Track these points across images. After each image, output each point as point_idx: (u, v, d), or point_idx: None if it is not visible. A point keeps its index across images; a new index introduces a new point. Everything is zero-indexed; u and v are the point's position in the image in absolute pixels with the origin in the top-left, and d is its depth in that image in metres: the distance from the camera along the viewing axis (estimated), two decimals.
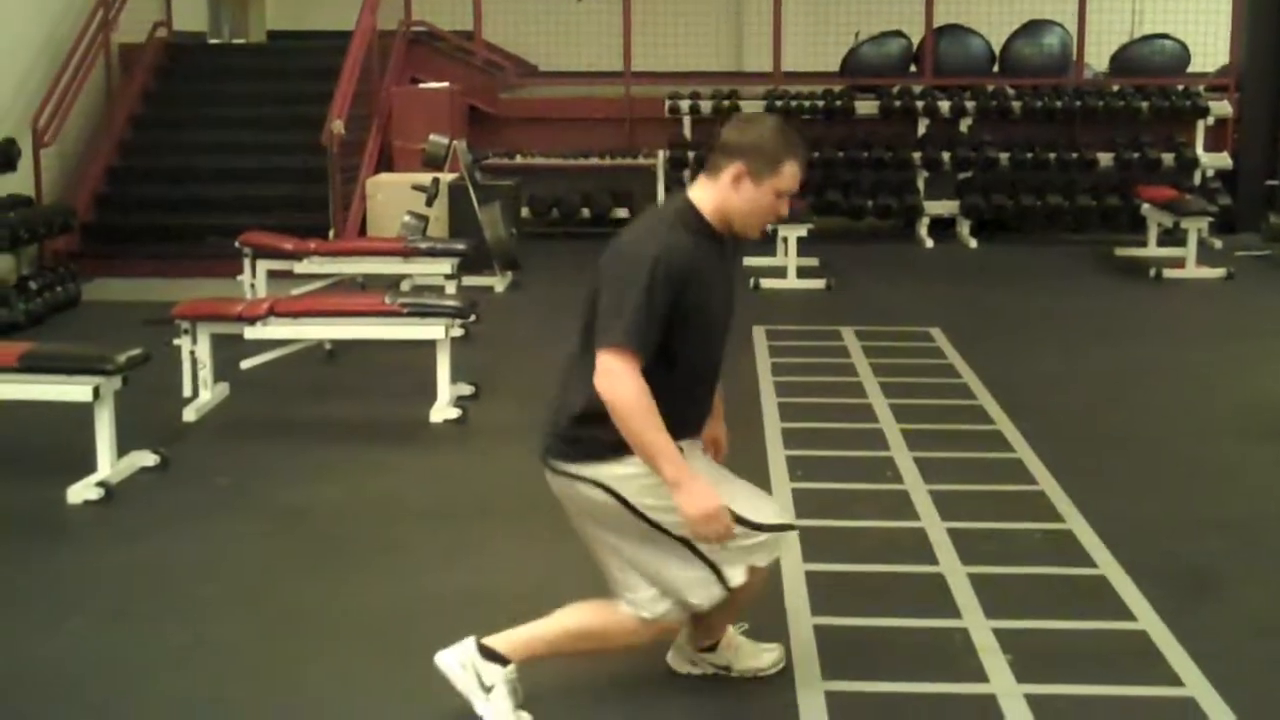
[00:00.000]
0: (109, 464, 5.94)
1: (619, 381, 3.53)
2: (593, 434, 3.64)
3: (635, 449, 3.58)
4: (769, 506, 3.94)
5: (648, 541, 3.73)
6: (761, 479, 5.73)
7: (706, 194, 3.75)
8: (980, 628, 4.43)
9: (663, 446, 3.55)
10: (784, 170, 3.70)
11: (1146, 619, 4.51)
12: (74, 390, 5.94)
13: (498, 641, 3.90)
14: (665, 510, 3.65)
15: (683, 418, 3.73)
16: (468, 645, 3.91)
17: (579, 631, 3.90)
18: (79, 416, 6.03)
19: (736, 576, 3.78)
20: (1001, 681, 4.07)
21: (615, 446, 3.62)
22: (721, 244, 3.79)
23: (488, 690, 3.85)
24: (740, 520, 3.70)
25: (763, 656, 4.16)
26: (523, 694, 3.89)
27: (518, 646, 3.90)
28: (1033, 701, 3.94)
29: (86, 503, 5.75)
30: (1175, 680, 4.10)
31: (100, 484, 5.81)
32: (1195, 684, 4.06)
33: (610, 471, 3.68)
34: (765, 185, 3.70)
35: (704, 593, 3.79)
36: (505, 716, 3.83)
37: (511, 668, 3.88)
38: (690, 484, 3.56)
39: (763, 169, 3.68)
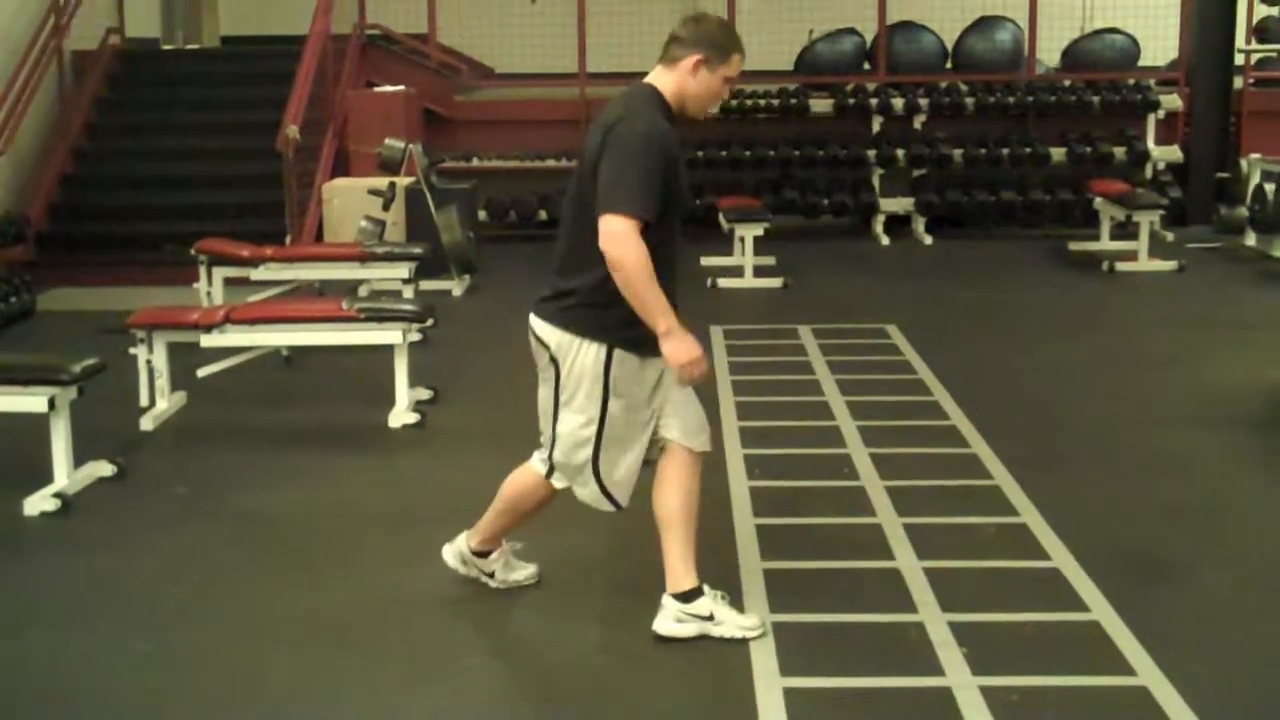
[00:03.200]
0: (66, 475, 5.92)
1: (624, 243, 4.05)
2: (570, 297, 4.25)
3: (634, 302, 4.10)
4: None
5: (574, 420, 4.34)
6: (719, 478, 5.77)
7: (666, 80, 4.32)
8: (936, 621, 4.48)
9: (660, 301, 4.11)
10: (732, 59, 4.33)
11: (1099, 609, 4.56)
12: (29, 401, 5.90)
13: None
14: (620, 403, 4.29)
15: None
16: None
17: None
18: (35, 427, 6.01)
19: (623, 498, 4.45)
20: (957, 675, 4.12)
21: (584, 323, 4.24)
22: (675, 127, 4.31)
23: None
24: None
25: (520, 571, 4.80)
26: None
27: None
28: (987, 693, 3.98)
29: (44, 514, 5.72)
30: (1128, 670, 4.15)
31: (57, 495, 5.79)
32: (1148, 673, 4.11)
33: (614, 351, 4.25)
34: (718, 72, 4.31)
35: (594, 499, 4.45)
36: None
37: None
38: (680, 335, 4.14)
39: (716, 58, 4.29)
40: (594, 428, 4.30)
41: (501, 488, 4.65)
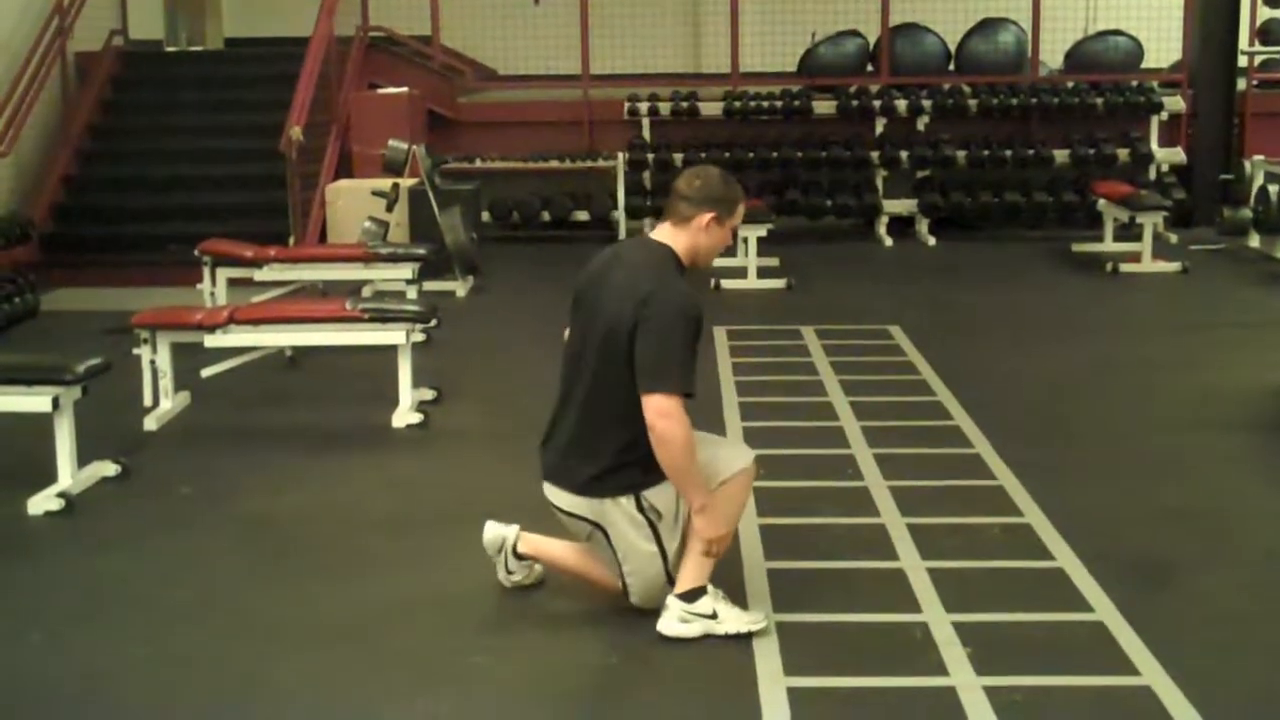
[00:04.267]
0: (69, 474, 5.92)
1: (677, 424, 4.18)
2: (628, 465, 4.32)
3: (676, 476, 4.26)
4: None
5: (645, 547, 4.42)
6: None
7: (680, 239, 4.43)
8: (940, 622, 4.47)
9: (700, 477, 4.27)
10: (738, 210, 4.49)
11: (1103, 610, 4.56)
12: (33, 401, 5.90)
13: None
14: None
15: None
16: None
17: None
18: (39, 427, 6.01)
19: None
20: (961, 674, 4.12)
21: (643, 478, 4.33)
22: None
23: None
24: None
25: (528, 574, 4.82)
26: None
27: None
28: (991, 693, 3.98)
29: (47, 514, 5.73)
30: (1132, 669, 4.15)
31: (61, 495, 5.79)
32: (1152, 673, 4.11)
33: (642, 495, 4.36)
34: (726, 225, 4.46)
35: (652, 591, 4.46)
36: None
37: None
38: (713, 511, 4.28)
39: (725, 212, 4.43)
40: (655, 549, 4.40)
41: (580, 559, 4.66)
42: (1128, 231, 11.80)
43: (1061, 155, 13.27)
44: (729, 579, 4.64)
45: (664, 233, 4.46)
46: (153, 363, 7.15)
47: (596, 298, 4.38)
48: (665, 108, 13.39)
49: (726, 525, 4.34)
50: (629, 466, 4.32)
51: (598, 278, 4.44)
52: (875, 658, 4.27)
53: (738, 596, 4.58)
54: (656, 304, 4.23)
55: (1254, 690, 4.10)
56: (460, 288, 10.64)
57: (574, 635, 4.51)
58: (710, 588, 4.40)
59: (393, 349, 7.07)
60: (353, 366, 7.87)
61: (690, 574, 4.38)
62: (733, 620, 4.36)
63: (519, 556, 4.74)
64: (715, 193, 4.41)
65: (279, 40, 14.18)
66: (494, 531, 4.78)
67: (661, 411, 4.17)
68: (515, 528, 4.76)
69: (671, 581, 4.40)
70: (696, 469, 4.25)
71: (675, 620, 4.36)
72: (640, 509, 4.36)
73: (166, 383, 7.12)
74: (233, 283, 9.40)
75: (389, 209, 10.73)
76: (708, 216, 4.39)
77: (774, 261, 10.97)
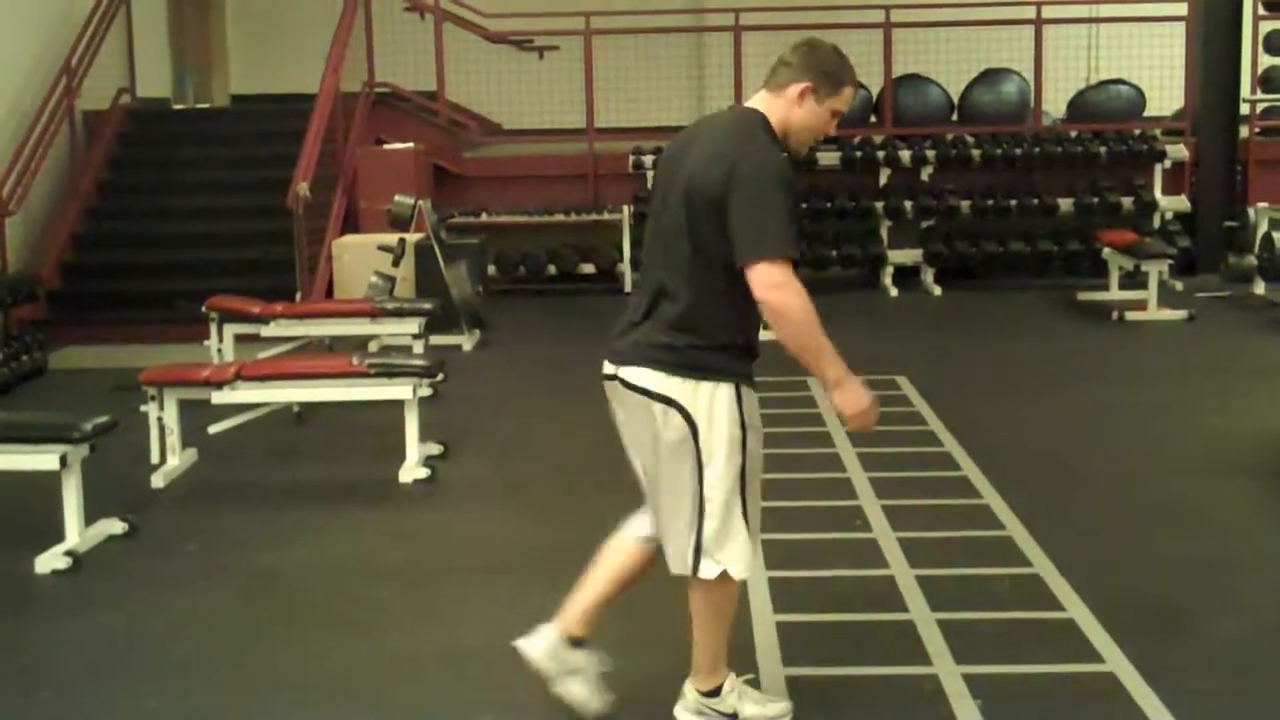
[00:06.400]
0: (77, 532, 5.92)
1: (790, 290, 3.73)
2: (691, 343, 3.81)
3: (801, 351, 3.80)
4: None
5: (732, 461, 3.87)
6: None
7: (772, 106, 3.94)
8: (950, 674, 4.45)
9: (829, 348, 3.81)
10: (844, 92, 3.95)
11: (1114, 660, 4.54)
12: (41, 459, 5.91)
13: (572, 625, 4.12)
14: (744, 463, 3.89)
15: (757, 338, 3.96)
16: (550, 634, 4.13)
17: (619, 578, 4.13)
18: (46, 485, 6.01)
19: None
20: None
21: (710, 366, 3.82)
22: None
23: (573, 673, 4.12)
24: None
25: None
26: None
27: (579, 613, 4.12)
28: None
29: (55, 572, 5.72)
30: None
31: (68, 553, 5.79)
32: None
33: (698, 398, 3.83)
34: (825, 104, 3.93)
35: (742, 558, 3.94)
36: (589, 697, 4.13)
37: (596, 656, 4.15)
38: (852, 383, 3.85)
39: (825, 88, 3.92)
40: (737, 471, 3.90)
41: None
42: (1133, 280, 11.80)
43: (1066, 204, 13.31)
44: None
45: (759, 99, 3.98)
46: (160, 420, 7.15)
47: (680, 166, 3.88)
48: None
49: (867, 401, 3.87)
50: (726, 350, 3.85)
51: (679, 152, 3.95)
52: (886, 711, 4.25)
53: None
54: (749, 165, 3.74)
55: None
56: (466, 341, 10.66)
57: None
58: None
59: (400, 404, 7.08)
60: (360, 422, 7.88)
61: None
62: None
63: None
64: (818, 63, 3.90)
65: (285, 97, 14.29)
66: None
67: (770, 283, 3.70)
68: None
69: (746, 520, 3.92)
70: (822, 338, 3.78)
71: (691, 712, 4.12)
72: (739, 401, 3.86)
73: (174, 439, 7.12)
74: (240, 339, 9.41)
75: (395, 264, 10.77)
76: (802, 86, 3.88)
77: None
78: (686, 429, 3.83)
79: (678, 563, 3.94)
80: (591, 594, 4.14)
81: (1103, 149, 13.47)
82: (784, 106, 3.92)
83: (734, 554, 3.90)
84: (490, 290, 12.06)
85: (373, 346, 9.56)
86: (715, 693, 4.10)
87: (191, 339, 9.79)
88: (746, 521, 3.93)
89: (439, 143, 13.72)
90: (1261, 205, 12.36)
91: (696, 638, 4.07)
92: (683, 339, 3.83)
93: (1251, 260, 12.10)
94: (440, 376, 7.45)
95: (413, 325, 9.13)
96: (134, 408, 7.35)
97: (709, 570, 3.89)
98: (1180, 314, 11.15)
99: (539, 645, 4.14)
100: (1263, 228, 12.03)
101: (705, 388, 3.83)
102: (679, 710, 4.17)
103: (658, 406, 3.85)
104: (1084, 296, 12.17)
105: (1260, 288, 12.03)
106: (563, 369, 9.45)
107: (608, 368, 3.99)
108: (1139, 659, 4.52)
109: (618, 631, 4.32)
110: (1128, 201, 13.25)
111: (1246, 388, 8.79)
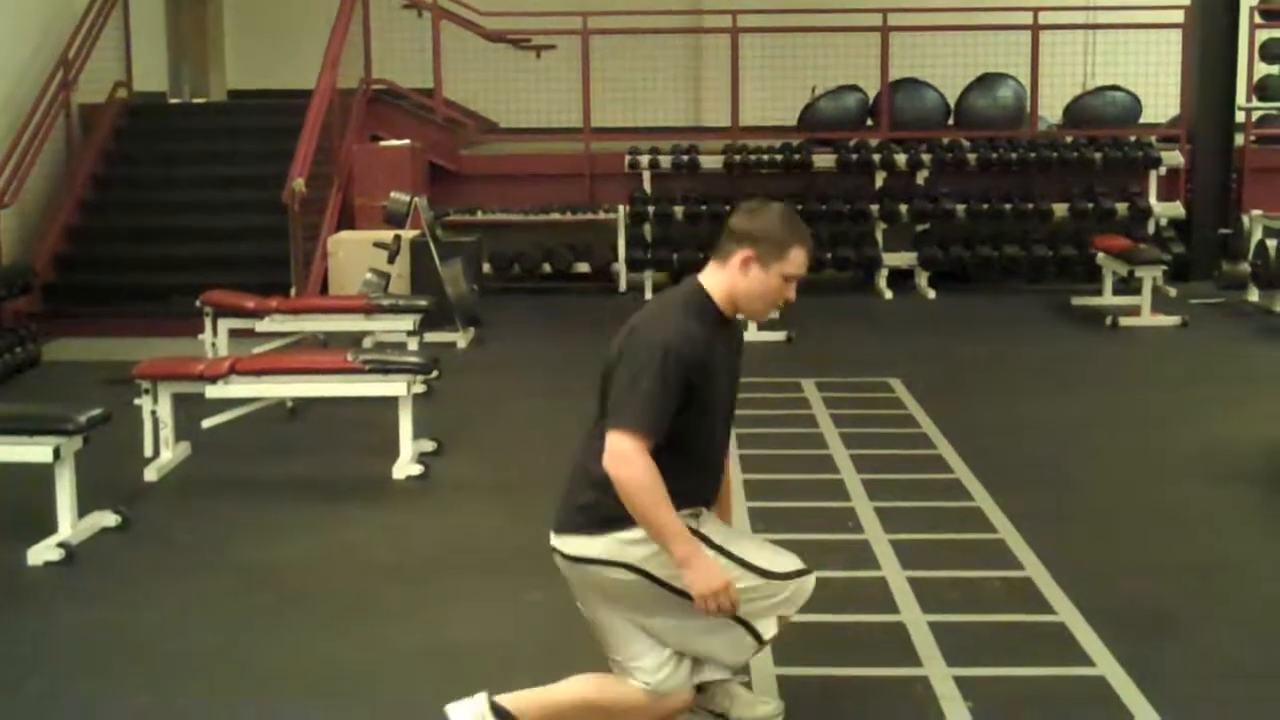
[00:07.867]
0: (70, 525, 5.92)
1: (628, 463, 3.60)
2: (607, 500, 3.68)
3: (643, 525, 3.64)
4: (786, 557, 3.99)
5: (671, 612, 3.77)
6: None
7: (716, 279, 3.86)
8: (942, 676, 4.46)
9: (672, 525, 3.62)
10: (790, 255, 3.84)
11: (1105, 664, 4.55)
12: (34, 451, 5.91)
13: (509, 700, 3.93)
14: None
15: (692, 496, 3.82)
16: (480, 701, 3.93)
17: (588, 703, 3.92)
18: (39, 477, 6.01)
19: (769, 629, 3.88)
20: None
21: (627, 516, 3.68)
22: (730, 328, 3.94)
23: None
24: (765, 573, 3.82)
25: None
26: None
27: (529, 709, 3.92)
28: None
29: (47, 564, 5.72)
30: None
31: (61, 545, 5.79)
32: None
33: (628, 548, 3.72)
34: (773, 270, 3.83)
35: (738, 651, 3.89)
36: None
37: None
38: (698, 562, 3.64)
39: (770, 254, 3.81)
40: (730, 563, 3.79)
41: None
42: (1127, 285, 11.83)
43: (1060, 209, 13.31)
44: None
45: (707, 270, 3.91)
46: (154, 413, 7.15)
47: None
48: (666, 161, 13.46)
49: (719, 581, 3.64)
50: (602, 505, 3.73)
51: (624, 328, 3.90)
52: (877, 712, 4.26)
53: None
54: (639, 335, 3.73)
55: None
56: (461, 339, 10.65)
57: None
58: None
59: (394, 400, 7.08)
60: (353, 418, 7.87)
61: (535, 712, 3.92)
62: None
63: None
64: (759, 229, 3.82)
65: (282, 93, 14.28)
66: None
67: (616, 453, 3.60)
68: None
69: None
70: (664, 513, 3.59)
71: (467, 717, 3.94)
72: (626, 564, 3.75)
73: (167, 433, 7.12)
74: (234, 334, 9.41)
75: (390, 260, 10.77)
76: (743, 254, 3.80)
77: (774, 314, 10.94)
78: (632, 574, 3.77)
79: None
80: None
81: (1098, 155, 13.49)
82: (728, 277, 3.84)
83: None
84: (485, 288, 12.05)
85: (367, 343, 9.56)
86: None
87: (186, 333, 9.77)
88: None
89: (435, 140, 13.70)
90: (1255, 212, 12.37)
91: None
92: (592, 491, 3.76)
93: (1245, 267, 12.11)
94: (434, 374, 7.46)
95: (407, 322, 9.13)
96: (127, 401, 7.34)
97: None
98: (1174, 320, 11.17)
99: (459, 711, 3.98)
100: (1257, 235, 12.04)
101: (622, 539, 3.75)
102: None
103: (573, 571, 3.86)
104: (1078, 301, 12.19)
105: (1254, 295, 12.05)
106: (557, 367, 9.46)
107: None
108: (1130, 663, 4.53)
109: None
110: (1122, 207, 13.27)
111: (1239, 394, 8.81)
